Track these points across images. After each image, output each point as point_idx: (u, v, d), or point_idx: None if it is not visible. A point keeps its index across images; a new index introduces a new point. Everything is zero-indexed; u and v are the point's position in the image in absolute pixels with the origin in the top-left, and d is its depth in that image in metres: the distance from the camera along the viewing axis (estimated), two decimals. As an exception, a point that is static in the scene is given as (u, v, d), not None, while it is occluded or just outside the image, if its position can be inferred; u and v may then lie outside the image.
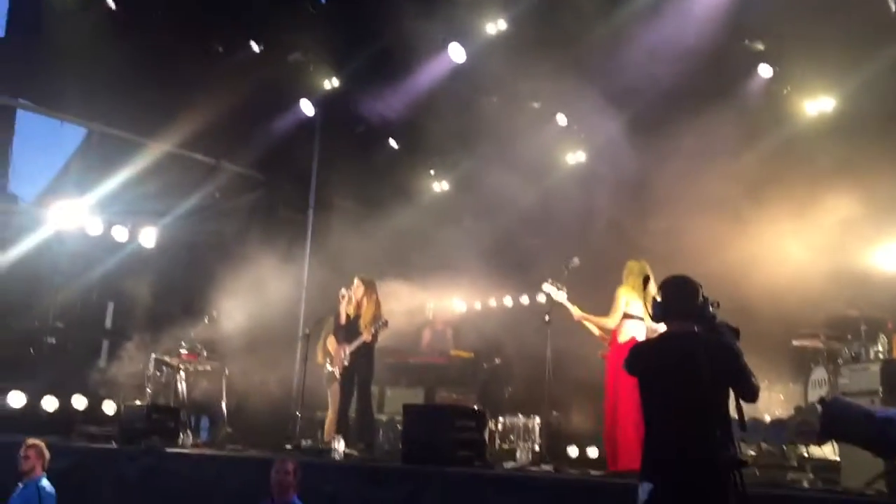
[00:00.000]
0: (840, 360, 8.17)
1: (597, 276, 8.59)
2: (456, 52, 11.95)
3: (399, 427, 9.58)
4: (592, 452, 10.33)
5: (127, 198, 12.61)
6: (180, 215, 13.53)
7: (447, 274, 12.67)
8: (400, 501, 6.78)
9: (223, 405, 11.30)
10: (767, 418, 8.33)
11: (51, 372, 11.43)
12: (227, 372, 11.47)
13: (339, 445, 8.17)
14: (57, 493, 7.58)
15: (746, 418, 4.78)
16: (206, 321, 11.69)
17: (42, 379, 11.27)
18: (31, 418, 10.64)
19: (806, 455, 7.98)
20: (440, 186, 14.99)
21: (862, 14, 9.44)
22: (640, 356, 4.86)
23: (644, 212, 11.24)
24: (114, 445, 9.53)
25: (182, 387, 11.23)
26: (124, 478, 8.79)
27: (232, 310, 11.73)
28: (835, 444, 7.31)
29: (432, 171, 14.96)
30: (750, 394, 4.48)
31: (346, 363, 9.45)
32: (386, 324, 9.44)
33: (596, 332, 8.19)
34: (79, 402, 11.18)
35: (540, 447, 8.84)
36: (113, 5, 11.74)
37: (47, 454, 7.71)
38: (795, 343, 9.13)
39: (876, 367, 7.11)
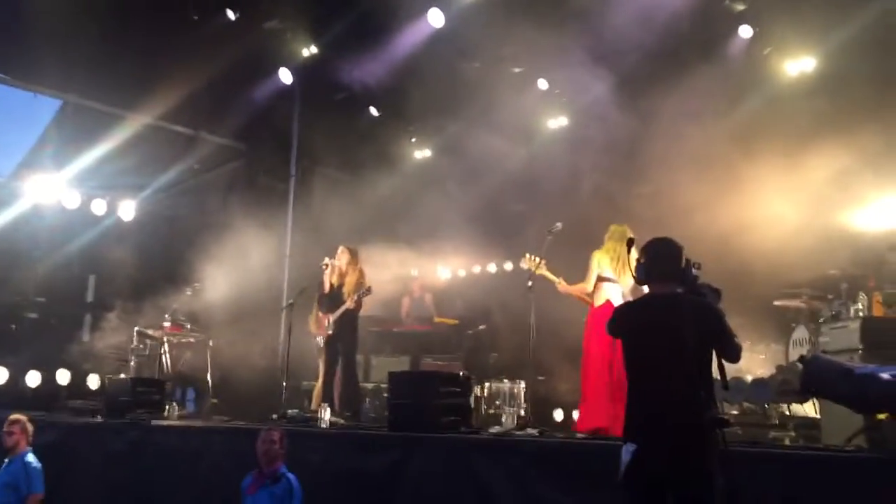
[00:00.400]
0: (821, 319, 8.23)
1: (581, 241, 8.60)
2: (435, 17, 11.82)
3: (385, 395, 9.62)
4: (577, 416, 10.40)
5: (105, 171, 12.46)
6: (160, 187, 13.41)
7: (431, 241, 12.66)
8: (387, 468, 6.80)
9: (208, 376, 11.29)
10: (749, 378, 8.41)
11: (33, 347, 11.36)
12: (211, 343, 11.46)
13: (326, 414, 8.19)
14: (43, 467, 7.59)
15: (729, 378, 4.83)
16: (188, 293, 11.66)
17: (24, 354, 11.21)
18: (14, 394, 10.59)
19: (788, 413, 8.08)
20: (422, 153, 14.91)
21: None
22: (624, 318, 4.87)
23: (628, 175, 11.25)
24: (99, 419, 9.51)
25: (166, 359, 11.22)
26: (111, 451, 8.79)
27: (215, 281, 11.69)
28: (816, 401, 7.41)
29: (413, 139, 14.88)
30: (732, 354, 4.51)
31: (329, 332, 9.45)
32: (369, 290, 9.44)
33: (587, 299, 8.22)
34: (62, 376, 11.13)
35: (525, 412, 8.89)
36: (85, -26, 11.50)
37: (31, 428, 7.71)
38: (777, 303, 9.21)
39: (856, 325, 7.15)
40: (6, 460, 7.60)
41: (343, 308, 9.41)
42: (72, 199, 12.23)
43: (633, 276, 4.90)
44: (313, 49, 13.34)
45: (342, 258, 9.66)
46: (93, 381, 11.42)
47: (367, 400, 10.46)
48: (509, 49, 12.18)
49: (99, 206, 12.57)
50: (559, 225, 8.40)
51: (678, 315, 4.45)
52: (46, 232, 12.25)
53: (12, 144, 12.87)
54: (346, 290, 9.50)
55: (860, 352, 6.89)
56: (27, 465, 7.49)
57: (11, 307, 11.92)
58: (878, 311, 7.64)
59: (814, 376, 5.63)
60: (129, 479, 8.44)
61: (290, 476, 6.28)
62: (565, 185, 11.12)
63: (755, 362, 9.09)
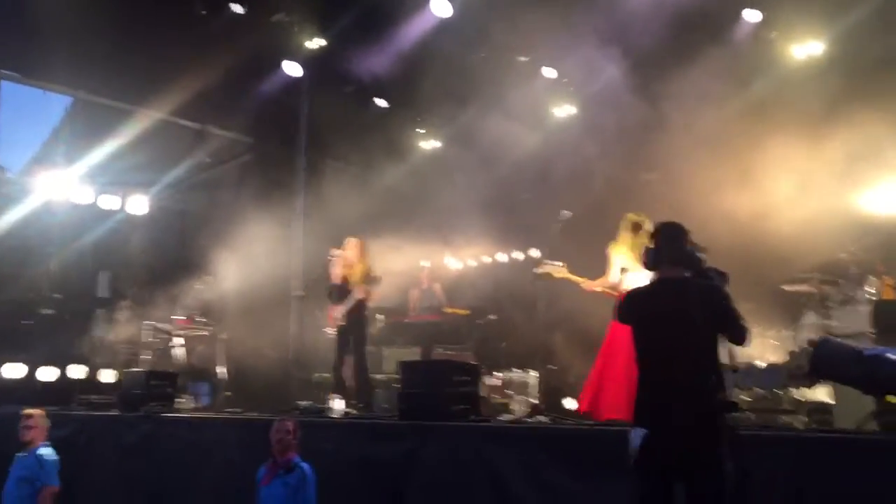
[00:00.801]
0: (831, 304, 8.21)
1: (590, 229, 8.60)
2: (440, 7, 11.80)
3: (396, 386, 9.65)
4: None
5: (116, 166, 12.54)
6: (171, 182, 13.47)
7: (440, 231, 12.67)
8: (399, 457, 6.84)
9: (220, 369, 11.35)
10: (761, 364, 8.39)
11: (47, 342, 11.44)
12: (223, 336, 11.51)
13: (337, 405, 8.22)
14: (58, 460, 7.66)
15: (741, 364, 4.83)
16: (200, 286, 11.71)
17: (39, 349, 11.29)
18: (29, 389, 10.70)
19: (800, 398, 8.06)
20: (430, 144, 14.91)
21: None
22: (634, 304, 4.88)
23: (635, 162, 11.22)
24: (113, 413, 9.58)
25: (179, 352, 11.28)
26: (125, 444, 8.88)
27: (226, 274, 11.74)
28: (829, 386, 7.38)
29: (422, 130, 14.87)
30: (740, 337, 4.52)
31: (340, 322, 9.48)
32: (379, 280, 9.46)
33: (613, 293, 8.20)
34: (76, 371, 11.21)
35: (536, 400, 8.91)
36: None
37: (47, 423, 7.78)
38: (787, 288, 9.16)
39: (866, 309, 7.16)
40: (22, 454, 7.67)
41: (354, 298, 9.44)
42: (83, 195, 12.30)
43: (643, 262, 4.91)
44: (321, 41, 13.35)
45: (351, 249, 9.68)
46: (106, 376, 11.51)
47: (379, 390, 10.48)
48: (515, 38, 12.15)
49: (110, 202, 12.64)
50: (568, 213, 8.40)
51: (687, 299, 4.46)
52: (58, 228, 12.32)
53: (24, 141, 12.95)
54: (355, 280, 9.52)
55: (871, 335, 6.88)
56: (42, 458, 7.56)
57: (25, 303, 12.00)
58: (887, 295, 7.63)
59: (823, 359, 5.63)
60: (144, 471, 8.52)
61: (304, 465, 6.31)
62: (574, 173, 11.11)
63: (767, 348, 9.05)
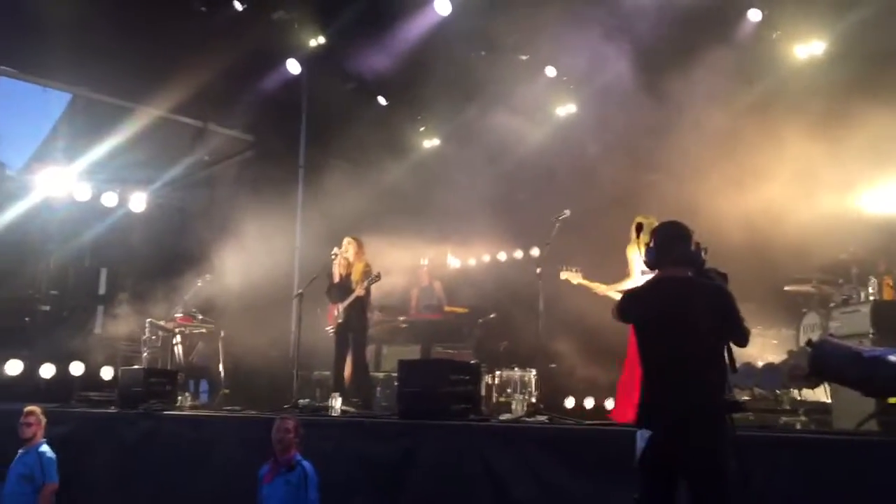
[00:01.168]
0: (832, 304, 8.20)
1: (590, 228, 8.61)
2: (442, 6, 11.79)
3: (395, 384, 9.65)
4: (588, 403, 10.42)
5: (115, 163, 12.53)
6: (170, 179, 13.46)
7: (440, 229, 12.66)
8: (398, 456, 6.83)
9: (220, 367, 11.35)
10: (760, 363, 8.39)
11: (47, 339, 11.44)
12: (222, 334, 11.51)
13: (337, 403, 8.22)
14: (58, 457, 7.66)
15: (739, 364, 4.81)
16: (199, 284, 11.70)
17: (38, 347, 11.29)
18: (29, 386, 10.70)
19: (799, 398, 8.06)
20: (431, 142, 14.90)
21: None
22: (635, 302, 4.84)
23: (636, 162, 11.20)
24: (113, 410, 9.58)
25: (178, 350, 11.28)
26: (124, 441, 8.87)
27: (225, 272, 11.74)
28: (827, 386, 7.38)
29: (423, 128, 14.86)
30: (742, 338, 4.50)
31: (339, 320, 9.49)
32: (378, 277, 9.49)
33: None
34: (76, 368, 11.21)
35: (536, 399, 8.90)
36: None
37: (45, 420, 7.79)
38: (788, 288, 9.16)
39: (867, 310, 7.13)
40: (21, 451, 7.68)
41: (353, 296, 9.45)
42: (83, 192, 12.30)
43: (644, 261, 4.88)
44: (321, 39, 13.34)
45: (348, 249, 9.71)
46: (106, 373, 11.52)
47: (378, 388, 10.49)
48: (516, 36, 12.15)
49: (110, 199, 12.64)
50: (567, 212, 8.40)
51: (690, 299, 4.43)
52: (58, 225, 12.32)
53: (23, 138, 12.97)
54: (353, 279, 9.54)
55: (871, 336, 6.87)
56: (42, 455, 7.58)
57: (24, 300, 12.02)
58: (888, 295, 7.60)
59: (822, 360, 5.61)
60: (143, 468, 8.52)
61: (306, 464, 6.31)
62: (574, 172, 11.10)
63: (767, 348, 9.06)
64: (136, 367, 10.73)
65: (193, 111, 13.66)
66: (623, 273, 8.23)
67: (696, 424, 4.26)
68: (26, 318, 11.97)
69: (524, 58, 12.63)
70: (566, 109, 13.12)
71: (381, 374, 11.03)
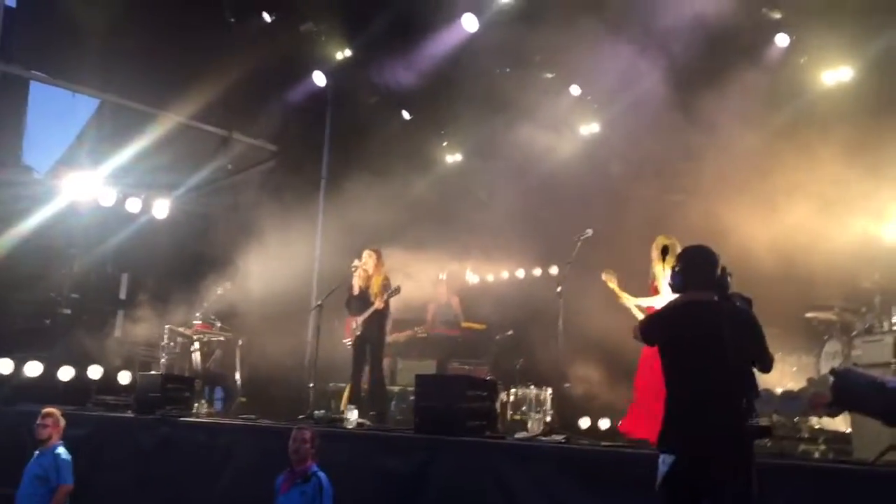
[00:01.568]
0: (854, 333, 8.13)
1: (612, 249, 8.58)
2: (469, 22, 11.84)
3: (411, 398, 9.63)
4: (604, 423, 10.35)
5: (140, 169, 12.63)
6: (193, 187, 13.56)
7: (460, 245, 12.65)
8: (413, 470, 6.83)
9: (237, 375, 11.38)
10: (779, 390, 8.31)
11: (66, 342, 11.50)
12: (240, 342, 11.54)
13: (352, 415, 8.22)
14: (74, 460, 7.70)
15: (759, 390, 4.77)
16: (219, 292, 11.75)
17: (58, 349, 11.35)
18: (47, 388, 10.74)
19: (817, 427, 7.97)
20: (453, 157, 14.93)
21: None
22: (660, 324, 4.81)
23: (658, 183, 11.17)
24: (130, 414, 9.62)
25: (196, 357, 11.32)
26: (140, 446, 8.90)
27: (245, 280, 11.79)
28: (847, 415, 7.30)
29: (445, 143, 14.89)
30: (767, 364, 4.49)
31: (358, 332, 9.50)
32: (398, 290, 9.49)
33: (641, 315, 8.17)
34: (94, 372, 11.28)
35: (551, 418, 8.87)
36: (124, -24, 11.69)
37: (63, 422, 7.82)
38: (809, 315, 9.08)
39: (890, 339, 7.05)
40: (38, 452, 7.72)
41: (371, 309, 9.45)
42: (108, 197, 12.39)
43: (670, 284, 4.86)
44: (347, 52, 13.44)
45: (368, 261, 9.71)
46: (124, 377, 11.57)
47: (393, 402, 10.48)
48: (542, 55, 12.18)
49: (134, 204, 12.72)
50: (590, 231, 8.39)
51: (718, 323, 4.39)
52: (82, 229, 12.41)
53: (50, 142, 13.10)
54: (372, 291, 9.55)
55: (894, 366, 6.80)
56: (58, 457, 7.60)
57: (46, 303, 12.10)
58: (912, 325, 7.52)
59: (845, 389, 5.56)
60: (158, 474, 8.54)
61: (321, 475, 6.30)
62: (596, 191, 11.08)
63: (786, 375, 8.97)
64: (154, 372, 10.77)
65: (219, 119, 13.78)
66: (645, 291, 8.17)
67: (722, 449, 4.23)
68: (47, 321, 12.05)
69: (550, 76, 12.65)
70: (590, 129, 13.10)
71: (396, 388, 11.02)
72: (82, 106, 13.09)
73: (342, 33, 13.30)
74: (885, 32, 9.55)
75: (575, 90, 12.64)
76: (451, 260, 12.90)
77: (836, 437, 7.62)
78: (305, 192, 14.32)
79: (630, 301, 8.20)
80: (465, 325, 12.39)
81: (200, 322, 11.46)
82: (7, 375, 10.70)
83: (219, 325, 11.58)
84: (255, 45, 12.37)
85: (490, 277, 14.31)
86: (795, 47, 10.86)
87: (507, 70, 12.58)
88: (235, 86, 12.41)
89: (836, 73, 10.55)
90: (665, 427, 4.48)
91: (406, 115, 14.26)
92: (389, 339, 10.57)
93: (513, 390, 9.82)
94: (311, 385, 9.84)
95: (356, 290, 9.75)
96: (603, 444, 7.49)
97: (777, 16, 10.75)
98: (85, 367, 11.27)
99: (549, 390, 9.47)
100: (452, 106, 12.81)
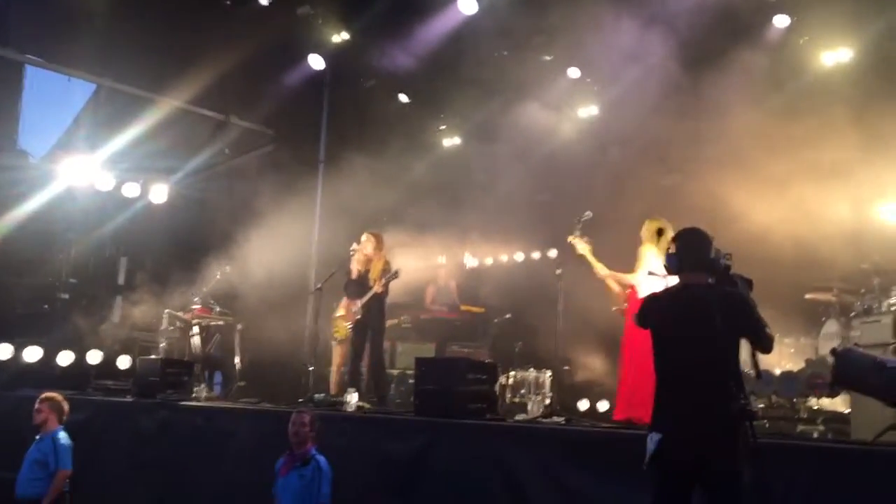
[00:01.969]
0: (853, 314, 8.14)
1: (610, 231, 8.56)
2: (466, 4, 11.77)
3: (410, 381, 9.66)
4: (602, 406, 10.38)
5: (137, 154, 12.58)
6: (191, 171, 13.52)
7: (458, 228, 12.64)
8: (413, 453, 6.84)
9: (236, 359, 11.39)
10: (777, 371, 8.34)
11: (65, 327, 11.50)
12: (239, 326, 11.55)
13: (353, 398, 8.23)
14: (74, 444, 7.70)
15: (760, 371, 4.79)
16: (218, 276, 11.74)
17: (56, 334, 11.35)
18: (46, 373, 10.76)
19: (816, 407, 8.01)
20: (451, 140, 14.89)
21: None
22: (654, 308, 4.85)
23: (657, 166, 11.15)
24: (129, 399, 9.63)
25: (195, 341, 11.32)
26: (140, 430, 8.92)
27: (244, 264, 11.77)
28: (846, 396, 7.33)
29: (443, 126, 14.85)
30: (765, 344, 4.50)
31: (358, 316, 9.49)
32: (397, 274, 9.44)
33: (616, 288, 8.16)
34: (93, 356, 11.28)
35: (551, 400, 8.89)
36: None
37: (65, 407, 7.82)
38: (808, 296, 9.10)
39: (888, 320, 7.07)
40: (38, 437, 7.73)
41: (371, 292, 9.43)
42: (105, 182, 12.35)
43: (665, 266, 4.88)
44: (344, 35, 13.38)
45: (367, 244, 9.67)
46: (123, 362, 11.56)
47: (392, 385, 10.50)
48: (540, 37, 12.12)
49: (131, 189, 12.68)
50: (589, 214, 8.37)
51: (709, 306, 4.43)
52: (80, 214, 12.37)
53: (47, 126, 13.00)
54: (372, 275, 9.52)
55: (893, 346, 6.81)
56: (56, 441, 7.60)
57: (44, 288, 12.07)
58: (911, 306, 7.53)
59: (845, 369, 5.58)
60: (158, 457, 8.56)
61: (320, 458, 6.31)
62: (595, 174, 11.06)
63: (784, 355, 9.00)
64: (153, 356, 10.77)
65: (215, 104, 13.72)
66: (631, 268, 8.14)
67: (710, 430, 4.26)
68: (45, 306, 12.03)
69: (548, 58, 12.59)
70: (588, 111, 13.06)
71: (395, 372, 11.05)
72: (78, 90, 13.01)
73: (339, 16, 13.24)
74: (884, 13, 9.50)
75: (574, 72, 12.59)
76: (449, 242, 12.89)
77: (834, 418, 7.66)
78: (303, 175, 14.28)
79: (603, 271, 8.15)
80: (463, 307, 12.41)
81: (199, 306, 11.45)
82: (6, 361, 10.71)
83: (218, 309, 11.59)
84: (252, 29, 12.29)
85: (489, 260, 14.31)
86: (795, 28, 10.82)
87: (505, 53, 12.51)
88: (232, 70, 12.36)
89: (835, 54, 10.52)
90: (656, 406, 4.54)
91: (404, 98, 14.21)
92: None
93: (511, 373, 9.84)
94: (311, 368, 9.84)
95: (354, 274, 9.72)
96: (604, 425, 7.51)
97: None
98: (84, 352, 11.28)
99: (549, 373, 9.49)
100: (450, 89, 12.77)
